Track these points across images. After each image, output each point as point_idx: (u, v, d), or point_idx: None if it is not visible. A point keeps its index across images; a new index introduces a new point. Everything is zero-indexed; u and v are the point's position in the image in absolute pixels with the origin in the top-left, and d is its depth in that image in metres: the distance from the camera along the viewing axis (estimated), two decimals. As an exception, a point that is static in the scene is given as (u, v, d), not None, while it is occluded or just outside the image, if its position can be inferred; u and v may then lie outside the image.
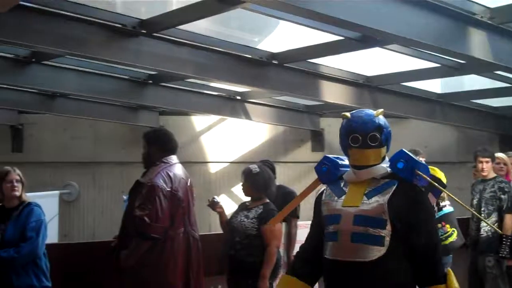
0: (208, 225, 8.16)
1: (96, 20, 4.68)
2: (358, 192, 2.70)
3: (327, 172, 2.86)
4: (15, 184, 4.37)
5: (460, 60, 5.76)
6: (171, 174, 4.22)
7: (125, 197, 5.46)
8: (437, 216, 5.52)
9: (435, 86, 7.88)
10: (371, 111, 2.81)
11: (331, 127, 9.69)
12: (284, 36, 5.94)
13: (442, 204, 5.57)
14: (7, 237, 4.25)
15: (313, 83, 6.56)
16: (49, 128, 9.43)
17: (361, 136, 2.68)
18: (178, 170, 4.32)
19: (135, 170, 4.92)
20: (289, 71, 6.19)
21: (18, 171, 4.50)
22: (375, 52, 5.76)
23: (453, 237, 5.51)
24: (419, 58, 5.93)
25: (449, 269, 2.74)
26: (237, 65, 5.79)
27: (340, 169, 2.88)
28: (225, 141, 9.39)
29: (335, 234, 2.68)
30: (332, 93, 6.80)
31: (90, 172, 9.64)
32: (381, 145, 2.71)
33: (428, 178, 2.73)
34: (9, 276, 4.19)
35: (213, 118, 9.38)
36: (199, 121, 9.52)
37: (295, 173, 9.18)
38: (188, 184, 4.38)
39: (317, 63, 6.34)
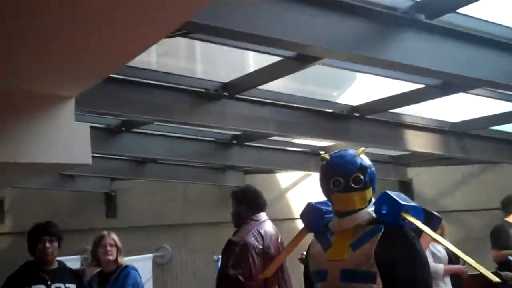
0: (300, 280, 8.07)
1: (180, 87, 4.87)
2: (343, 242, 2.46)
3: (311, 220, 2.66)
4: (108, 248, 4.46)
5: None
6: (262, 231, 4.25)
7: (216, 258, 5.53)
8: None
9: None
10: (352, 151, 2.58)
11: (419, 177, 9.50)
12: (363, 88, 5.96)
13: None
14: None
15: (397, 133, 6.49)
16: (141, 193, 9.76)
17: (343, 178, 2.46)
18: (268, 227, 4.35)
19: (225, 230, 5.00)
20: (371, 123, 6.17)
21: (113, 236, 4.60)
22: (459, 97, 5.66)
23: None
24: (505, 100, 5.78)
25: None
26: (318, 120, 5.83)
27: (326, 216, 2.64)
28: (311, 196, 9.35)
29: None
30: (418, 142, 6.69)
31: (181, 234, 9.84)
32: (366, 187, 2.49)
33: (415, 221, 2.44)
34: None
35: (298, 174, 9.41)
36: (284, 178, 9.58)
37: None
38: (279, 240, 4.39)
39: (399, 113, 6.28)
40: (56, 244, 4.31)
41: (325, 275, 2.46)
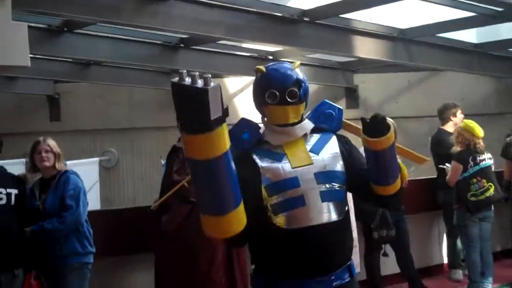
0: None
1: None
2: (300, 150, 2.45)
3: (249, 138, 2.51)
4: (44, 155, 4.34)
5: (498, 8, 5.60)
6: None
7: (163, 162, 5.52)
8: (472, 171, 5.46)
9: (471, 36, 7.69)
10: (288, 64, 2.52)
11: (366, 84, 9.59)
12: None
13: (479, 158, 5.49)
14: (48, 207, 4.27)
15: (345, 39, 6.47)
16: (85, 96, 9.57)
17: (278, 92, 2.42)
18: None
19: (172, 134, 4.96)
20: (321, 28, 6.11)
21: (49, 141, 4.41)
22: (409, 4, 5.64)
23: (490, 192, 5.43)
24: (455, 7, 5.79)
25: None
26: (268, 24, 5.74)
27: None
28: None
29: (301, 198, 2.37)
30: (366, 48, 6.70)
31: (127, 138, 9.78)
32: (300, 102, 2.47)
33: (355, 125, 2.59)
34: (53, 245, 4.24)
35: (246, 79, 9.36)
36: (232, 83, 9.52)
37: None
38: None
39: (349, 18, 6.25)
40: (-6, 148, 4.22)
41: (296, 182, 2.39)
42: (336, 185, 2.43)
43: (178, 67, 7.64)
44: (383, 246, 5.67)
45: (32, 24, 5.08)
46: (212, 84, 1.91)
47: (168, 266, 4.28)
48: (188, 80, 1.90)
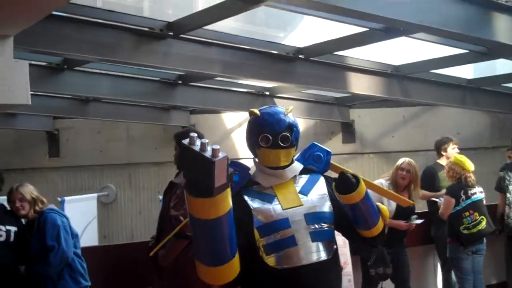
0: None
1: (125, 25, 4.79)
2: (290, 192, 2.56)
3: (239, 180, 2.59)
4: (17, 204, 4.38)
5: (487, 46, 5.73)
6: None
7: (161, 197, 5.57)
8: (465, 205, 5.53)
9: (465, 72, 7.81)
10: (281, 108, 2.64)
11: (361, 118, 9.70)
12: (309, 30, 6.00)
13: (471, 192, 5.56)
14: (33, 251, 4.32)
15: (340, 76, 6.57)
16: (84, 132, 9.66)
17: (271, 136, 2.53)
18: None
19: (170, 170, 5.03)
20: (316, 65, 6.22)
21: (21, 189, 4.36)
22: (402, 41, 5.76)
23: (482, 225, 5.50)
24: (446, 45, 5.91)
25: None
26: (264, 62, 5.83)
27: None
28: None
29: (292, 239, 2.47)
30: (361, 85, 6.80)
31: (125, 173, 9.84)
32: (292, 146, 2.59)
33: (342, 167, 2.69)
34: (47, 283, 4.29)
35: (243, 114, 9.46)
36: (229, 118, 9.63)
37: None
38: None
39: (343, 55, 6.36)
40: (-5, 187, 4.28)
41: (286, 223, 2.48)
42: (325, 225, 2.53)
43: (176, 103, 7.78)
44: (380, 283, 5.72)
45: (32, 62, 5.19)
46: (220, 155, 2.02)
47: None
48: (198, 145, 2.00)
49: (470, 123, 9.43)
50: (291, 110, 2.64)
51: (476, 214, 5.51)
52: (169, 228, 4.18)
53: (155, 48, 5.06)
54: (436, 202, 5.94)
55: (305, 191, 2.58)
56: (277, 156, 2.55)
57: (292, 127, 2.58)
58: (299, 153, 2.71)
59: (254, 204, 2.53)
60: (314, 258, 2.48)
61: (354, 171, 2.66)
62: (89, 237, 7.90)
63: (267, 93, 8.06)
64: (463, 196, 5.53)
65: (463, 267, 5.63)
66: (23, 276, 4.28)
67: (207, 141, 2.04)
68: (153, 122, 9.10)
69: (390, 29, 5.03)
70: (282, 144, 2.54)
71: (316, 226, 2.51)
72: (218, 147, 2.04)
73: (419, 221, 5.59)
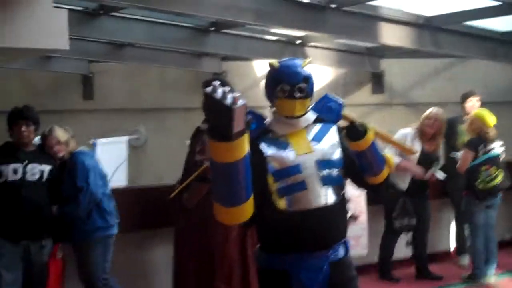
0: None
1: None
2: (302, 139, 2.73)
3: (255, 128, 2.70)
4: (55, 149, 4.57)
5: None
6: None
7: (188, 143, 5.71)
8: (482, 159, 5.60)
9: (498, 24, 7.72)
10: (299, 61, 2.75)
11: (392, 69, 9.70)
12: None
13: (489, 147, 5.62)
14: (65, 192, 4.54)
15: (372, 26, 6.58)
16: (118, 76, 9.84)
17: (289, 86, 2.66)
18: None
19: (200, 116, 5.16)
20: (348, 15, 6.24)
21: (55, 134, 4.52)
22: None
23: (498, 180, 5.57)
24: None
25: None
26: (296, 11, 5.89)
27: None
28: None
29: (302, 183, 2.64)
30: (392, 35, 6.80)
31: (156, 118, 10.04)
32: (307, 96, 2.72)
33: (353, 117, 2.85)
34: (77, 223, 4.53)
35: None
36: (260, 66, 9.69)
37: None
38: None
39: (375, 5, 6.37)
40: (32, 127, 4.43)
41: (299, 168, 2.65)
42: (334, 171, 2.70)
43: (209, 50, 7.89)
44: (404, 233, 5.88)
45: (70, 7, 5.34)
46: (239, 102, 2.16)
47: (187, 239, 4.50)
48: (220, 93, 2.14)
49: (499, 76, 9.38)
50: (308, 63, 2.76)
51: (493, 168, 5.58)
52: (194, 172, 4.38)
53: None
54: (453, 157, 6.04)
55: (317, 139, 2.74)
56: (293, 106, 2.69)
57: (308, 79, 2.70)
58: (313, 104, 2.83)
59: (269, 150, 2.69)
60: (323, 202, 2.66)
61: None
62: (118, 179, 8.12)
63: (298, 41, 8.11)
64: (482, 151, 5.60)
65: (477, 221, 5.74)
66: (55, 216, 4.50)
67: (228, 89, 2.17)
68: (185, 68, 9.24)
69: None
70: (298, 95, 2.67)
71: (326, 171, 2.68)
72: (239, 94, 2.18)
73: (441, 176, 5.70)
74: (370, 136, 2.74)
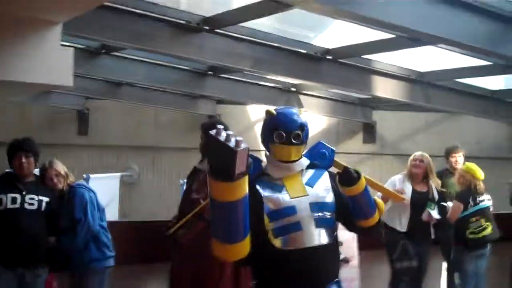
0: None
1: (164, 18, 5.04)
2: (297, 183, 2.84)
3: (252, 171, 2.76)
4: (55, 180, 4.64)
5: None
6: None
7: (182, 182, 5.80)
8: (472, 210, 5.71)
9: (489, 82, 7.91)
10: (295, 110, 2.89)
11: (383, 120, 9.87)
12: (338, 32, 6.17)
13: (479, 199, 5.73)
14: (63, 224, 4.58)
15: (366, 78, 6.76)
16: (114, 114, 9.94)
17: (285, 133, 2.77)
18: None
19: (193, 156, 5.26)
20: (343, 66, 6.42)
21: (55, 166, 4.62)
22: (428, 49, 5.91)
23: (487, 231, 5.66)
24: (472, 56, 6.06)
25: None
26: (292, 60, 6.06)
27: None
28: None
29: (298, 224, 2.76)
30: (385, 88, 6.99)
31: (150, 156, 10.13)
32: (302, 143, 2.83)
33: (344, 164, 2.94)
34: (74, 254, 4.57)
35: (267, 107, 9.66)
36: (254, 110, 9.85)
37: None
38: None
39: (370, 59, 6.55)
40: (32, 159, 4.49)
41: (294, 210, 2.75)
42: (327, 214, 2.80)
43: (206, 93, 8.03)
44: (403, 277, 5.90)
45: (74, 45, 5.47)
46: (242, 145, 2.27)
47: (182, 275, 4.55)
48: (223, 135, 2.26)
49: (490, 133, 9.55)
50: (303, 112, 2.89)
51: (483, 220, 5.67)
52: (190, 209, 4.46)
53: (191, 41, 5.31)
54: (444, 206, 6.13)
55: (311, 183, 2.84)
56: (289, 152, 2.81)
57: (303, 127, 2.82)
58: (307, 150, 2.95)
59: (265, 192, 2.80)
60: (316, 242, 2.76)
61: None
62: (109, 216, 8.12)
63: (293, 89, 8.28)
64: (472, 203, 5.70)
65: (466, 270, 5.80)
66: (53, 247, 4.54)
67: (232, 132, 2.29)
68: (181, 109, 9.37)
69: (416, 38, 5.20)
70: (294, 141, 2.79)
71: (320, 214, 2.78)
72: (241, 138, 2.28)
73: (437, 216, 5.77)
74: (362, 182, 2.84)
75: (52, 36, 3.95)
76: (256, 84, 8.09)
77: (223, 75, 7.54)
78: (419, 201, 5.67)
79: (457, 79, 7.44)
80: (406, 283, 5.98)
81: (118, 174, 9.62)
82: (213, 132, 2.29)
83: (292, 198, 2.79)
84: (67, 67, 4.11)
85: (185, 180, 5.37)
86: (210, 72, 7.36)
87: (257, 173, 2.86)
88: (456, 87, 7.58)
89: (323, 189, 2.85)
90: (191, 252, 4.46)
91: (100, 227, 4.70)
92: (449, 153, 6.54)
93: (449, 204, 5.93)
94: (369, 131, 9.83)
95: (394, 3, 4.15)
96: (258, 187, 2.81)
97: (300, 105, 8.45)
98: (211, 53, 5.51)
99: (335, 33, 6.28)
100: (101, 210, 4.80)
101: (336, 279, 2.87)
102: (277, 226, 2.76)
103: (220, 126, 2.31)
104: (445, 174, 6.43)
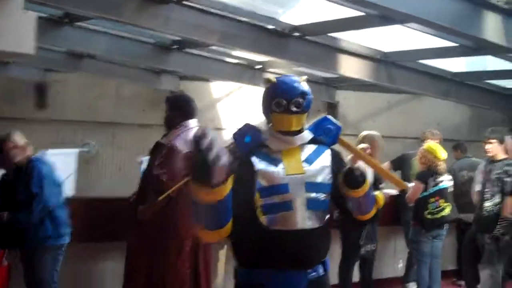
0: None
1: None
2: (295, 159, 2.71)
3: (251, 141, 2.74)
4: (11, 152, 4.55)
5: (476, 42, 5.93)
6: (188, 138, 4.50)
7: (141, 159, 5.73)
8: (432, 191, 5.80)
9: (454, 65, 7.98)
10: (296, 78, 2.82)
11: (346, 100, 9.92)
12: (307, 9, 6.13)
13: (439, 179, 5.82)
14: (20, 198, 4.49)
15: (332, 57, 6.75)
16: (74, 87, 9.72)
17: (285, 101, 2.69)
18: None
19: (155, 132, 5.20)
20: (310, 44, 6.39)
21: (14, 137, 4.59)
22: (394, 29, 5.92)
23: (446, 212, 5.77)
24: (438, 37, 6.10)
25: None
26: (260, 36, 6.00)
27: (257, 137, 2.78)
28: (242, 108, 9.62)
29: (289, 204, 2.63)
30: (350, 67, 6.99)
31: (110, 132, 9.95)
32: (303, 112, 2.74)
33: (349, 142, 2.92)
34: (28, 229, 4.47)
35: (232, 85, 9.61)
36: (217, 87, 9.77)
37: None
38: None
39: (337, 38, 6.53)
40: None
41: (286, 188, 2.64)
42: (322, 195, 2.70)
43: (169, 68, 7.91)
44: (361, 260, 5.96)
45: (35, 13, 5.28)
46: (222, 159, 2.30)
47: (139, 253, 4.52)
48: (206, 147, 2.28)
49: (451, 115, 9.70)
50: (305, 79, 2.83)
51: (442, 201, 5.79)
52: (150, 185, 4.42)
53: (158, 12, 5.18)
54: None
55: (310, 160, 2.73)
56: (289, 121, 2.70)
57: (304, 94, 2.75)
58: (311, 124, 2.86)
59: (260, 165, 2.68)
60: (307, 225, 2.65)
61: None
62: (66, 191, 7.99)
63: (258, 66, 8.22)
64: (432, 183, 5.81)
65: (422, 250, 5.93)
66: (4, 222, 4.43)
67: (215, 143, 2.27)
68: (143, 84, 9.22)
69: (386, 16, 5.18)
70: (294, 109, 2.70)
71: (314, 194, 2.67)
72: (225, 152, 2.32)
73: (391, 191, 5.85)
74: (366, 186, 2.71)
75: (14, 1, 3.79)
76: (221, 60, 8.00)
77: (187, 50, 7.42)
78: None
79: (420, 61, 7.49)
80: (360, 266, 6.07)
81: (76, 149, 9.43)
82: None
83: (287, 174, 2.66)
84: (29, 33, 3.95)
85: (143, 159, 5.32)
86: (175, 47, 7.23)
87: (256, 144, 2.74)
88: (418, 68, 7.63)
89: (321, 168, 2.73)
90: (149, 229, 4.43)
91: (56, 203, 4.62)
92: (424, 139, 6.66)
93: (410, 185, 6.02)
94: (332, 111, 9.86)
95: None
96: (254, 159, 2.70)
97: (264, 82, 8.38)
98: (178, 26, 5.39)
99: (304, 10, 6.23)
100: (58, 185, 4.72)
101: (324, 259, 2.78)
102: (267, 202, 2.64)
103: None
104: (413, 156, 6.54)
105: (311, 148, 2.77)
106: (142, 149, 6.14)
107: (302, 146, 2.75)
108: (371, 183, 2.83)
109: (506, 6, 4.87)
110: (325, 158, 2.77)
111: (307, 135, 2.78)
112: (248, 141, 2.71)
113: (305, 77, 2.85)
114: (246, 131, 2.77)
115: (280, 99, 2.69)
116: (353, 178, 2.69)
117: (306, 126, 2.84)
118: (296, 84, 2.75)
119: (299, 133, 2.75)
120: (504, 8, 4.89)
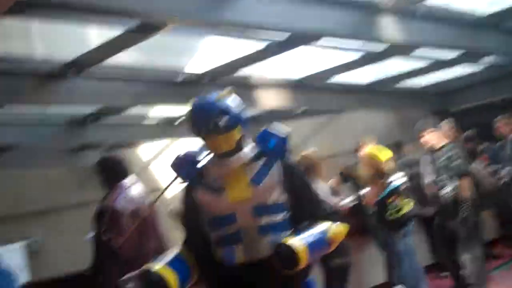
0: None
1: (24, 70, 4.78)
2: (239, 182, 2.46)
3: (186, 175, 2.59)
4: None
5: (380, 46, 6.06)
6: (129, 196, 4.36)
7: (89, 236, 5.56)
8: (386, 193, 5.78)
9: (362, 77, 8.01)
10: (213, 95, 2.53)
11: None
12: (208, 54, 6.12)
13: (387, 180, 5.81)
14: None
15: (247, 94, 6.71)
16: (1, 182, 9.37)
17: (200, 127, 2.46)
18: (136, 190, 4.48)
19: (92, 208, 5.02)
20: (221, 87, 6.31)
21: None
22: (302, 53, 5.94)
23: (406, 209, 5.75)
24: (344, 50, 6.22)
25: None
26: (169, 89, 5.95)
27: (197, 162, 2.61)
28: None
29: (238, 234, 2.42)
30: (267, 100, 6.99)
31: (51, 219, 9.61)
32: (227, 130, 2.45)
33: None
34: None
35: (158, 144, 9.50)
36: (145, 150, 9.63)
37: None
38: (147, 201, 4.47)
39: (248, 75, 6.55)
40: None
41: (233, 217, 2.42)
42: (277, 217, 2.45)
43: (89, 141, 7.73)
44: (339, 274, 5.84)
45: None
46: None
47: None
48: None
49: (379, 123, 9.80)
50: (228, 93, 2.55)
51: (400, 199, 5.76)
52: (104, 249, 4.26)
53: (58, 89, 5.05)
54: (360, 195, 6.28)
55: (257, 180, 2.47)
56: (214, 144, 2.48)
57: (224, 112, 2.45)
58: (255, 137, 2.61)
59: (203, 198, 2.49)
60: (260, 254, 2.42)
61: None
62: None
63: (180, 120, 8.14)
64: (384, 185, 5.80)
65: (398, 250, 5.87)
66: None
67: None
68: (68, 166, 8.99)
69: (288, 40, 5.20)
70: (212, 132, 2.44)
71: (266, 220, 2.43)
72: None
73: (348, 202, 5.85)
74: (303, 256, 2.31)
75: None
76: (139, 124, 7.91)
77: (103, 122, 7.26)
78: None
79: (334, 79, 7.53)
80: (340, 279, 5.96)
81: (20, 243, 9.07)
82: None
83: (231, 202, 2.42)
84: None
85: (89, 236, 5.12)
86: (89, 119, 7.05)
87: (194, 178, 2.52)
88: (333, 87, 7.72)
89: (272, 186, 2.45)
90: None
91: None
92: (357, 149, 6.78)
93: (362, 192, 6.05)
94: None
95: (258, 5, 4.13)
96: (195, 192, 2.50)
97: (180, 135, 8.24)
98: (83, 98, 5.29)
99: (206, 56, 6.22)
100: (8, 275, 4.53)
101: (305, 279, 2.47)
102: (216, 237, 2.43)
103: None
104: (355, 167, 6.64)
105: (256, 165, 2.50)
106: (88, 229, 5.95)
107: (246, 166, 2.50)
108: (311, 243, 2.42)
109: (394, 7, 4.98)
110: (275, 173, 2.50)
111: (248, 152, 2.53)
112: (184, 175, 2.54)
113: (227, 91, 2.57)
114: (180, 165, 2.58)
115: (193, 127, 2.50)
116: (283, 257, 2.32)
117: (248, 142, 2.58)
118: (210, 106, 2.46)
119: (236, 153, 2.51)
120: (393, 9, 4.99)
